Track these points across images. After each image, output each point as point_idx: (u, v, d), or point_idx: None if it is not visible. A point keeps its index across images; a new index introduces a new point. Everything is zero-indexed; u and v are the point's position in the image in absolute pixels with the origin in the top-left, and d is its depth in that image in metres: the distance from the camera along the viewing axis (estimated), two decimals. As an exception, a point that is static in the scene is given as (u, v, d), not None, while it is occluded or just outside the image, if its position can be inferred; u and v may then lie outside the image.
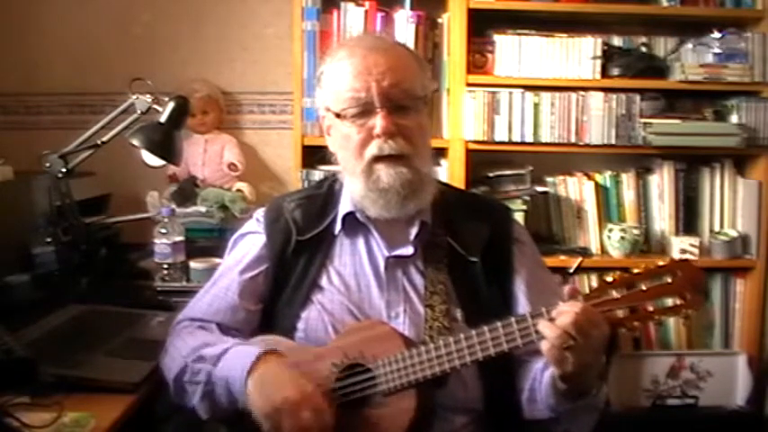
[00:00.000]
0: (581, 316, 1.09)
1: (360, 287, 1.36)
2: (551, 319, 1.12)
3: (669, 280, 1.12)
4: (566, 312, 1.10)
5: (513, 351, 1.20)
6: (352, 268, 1.38)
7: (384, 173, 1.31)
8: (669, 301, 1.14)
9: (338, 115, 1.34)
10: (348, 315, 1.33)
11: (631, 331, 1.18)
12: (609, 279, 1.14)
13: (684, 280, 1.12)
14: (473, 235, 1.38)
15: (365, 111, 1.31)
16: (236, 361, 1.23)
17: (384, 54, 1.33)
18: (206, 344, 1.30)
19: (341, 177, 1.43)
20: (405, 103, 1.32)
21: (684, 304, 1.13)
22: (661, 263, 1.14)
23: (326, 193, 1.45)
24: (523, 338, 1.16)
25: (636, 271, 1.14)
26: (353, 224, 1.39)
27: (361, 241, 1.40)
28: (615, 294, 1.13)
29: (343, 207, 1.40)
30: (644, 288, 1.13)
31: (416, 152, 1.33)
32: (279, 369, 1.21)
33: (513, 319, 1.17)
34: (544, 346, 1.11)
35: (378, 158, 1.31)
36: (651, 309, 1.13)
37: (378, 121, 1.29)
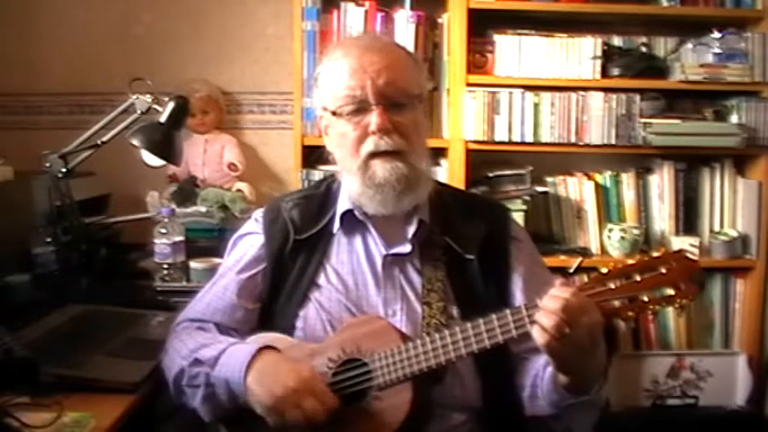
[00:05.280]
0: (572, 300, 1.09)
1: (357, 285, 1.37)
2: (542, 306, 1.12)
3: (663, 270, 1.13)
4: (556, 297, 1.10)
5: (509, 342, 1.20)
6: (350, 266, 1.38)
7: (380, 168, 1.32)
8: (664, 292, 1.14)
9: (334, 113, 1.35)
10: (346, 313, 1.34)
11: (627, 321, 1.19)
12: (603, 270, 1.15)
13: (678, 270, 1.12)
14: (470, 233, 1.38)
15: (361, 108, 1.32)
16: (234, 360, 1.24)
17: (379, 53, 1.34)
18: (203, 345, 1.31)
19: (338, 177, 1.44)
20: (400, 100, 1.33)
21: (679, 294, 1.13)
22: (655, 254, 1.14)
23: (324, 193, 1.46)
24: (518, 329, 1.16)
25: (630, 262, 1.14)
26: (352, 222, 1.40)
27: (358, 239, 1.40)
28: (610, 285, 1.14)
29: (342, 206, 1.41)
30: (638, 279, 1.13)
31: (412, 149, 1.34)
32: (275, 362, 1.22)
33: (507, 311, 1.17)
34: (537, 334, 1.11)
35: (373, 155, 1.32)
36: (646, 299, 1.13)
37: (373, 119, 1.30)
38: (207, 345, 1.31)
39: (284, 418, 1.17)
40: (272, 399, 1.17)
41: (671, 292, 1.13)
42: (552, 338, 1.09)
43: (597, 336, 1.12)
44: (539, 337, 1.10)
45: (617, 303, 1.14)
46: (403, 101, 1.33)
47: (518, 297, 1.35)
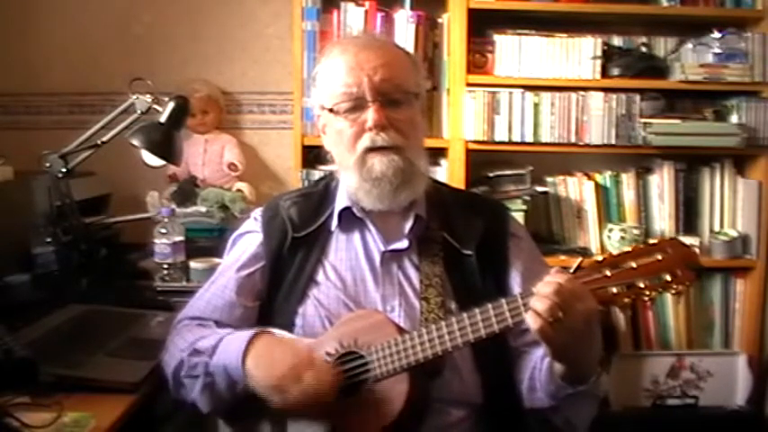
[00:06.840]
0: (566, 285, 1.09)
1: (355, 281, 1.37)
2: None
3: (659, 257, 1.13)
4: (549, 282, 1.10)
5: (507, 335, 1.20)
6: (348, 263, 1.39)
7: (377, 161, 1.32)
8: (661, 278, 1.14)
9: (331, 110, 1.36)
10: (344, 309, 1.34)
11: (623, 309, 1.19)
12: (599, 258, 1.15)
13: (674, 256, 1.13)
14: (468, 229, 1.39)
15: (357, 105, 1.33)
16: (231, 347, 1.25)
17: (376, 50, 1.35)
18: (201, 337, 1.32)
19: (337, 175, 1.44)
20: (396, 97, 1.34)
21: (675, 280, 1.13)
22: (651, 241, 1.15)
23: (322, 191, 1.47)
24: (514, 318, 1.15)
25: (626, 249, 1.15)
26: (350, 219, 1.41)
27: (356, 236, 1.41)
28: (606, 272, 1.14)
29: (340, 203, 1.42)
30: (634, 266, 1.13)
31: (408, 144, 1.34)
32: (271, 343, 1.24)
33: (503, 300, 1.17)
34: (530, 319, 1.10)
35: (370, 150, 1.33)
36: (642, 285, 1.13)
37: (370, 115, 1.31)
38: (205, 336, 1.32)
39: (286, 396, 1.17)
40: (271, 378, 1.18)
41: (667, 278, 1.13)
42: (545, 322, 1.08)
43: (592, 323, 1.12)
44: (532, 322, 1.10)
45: (613, 290, 1.14)
46: (399, 98, 1.34)
47: (516, 293, 1.35)
